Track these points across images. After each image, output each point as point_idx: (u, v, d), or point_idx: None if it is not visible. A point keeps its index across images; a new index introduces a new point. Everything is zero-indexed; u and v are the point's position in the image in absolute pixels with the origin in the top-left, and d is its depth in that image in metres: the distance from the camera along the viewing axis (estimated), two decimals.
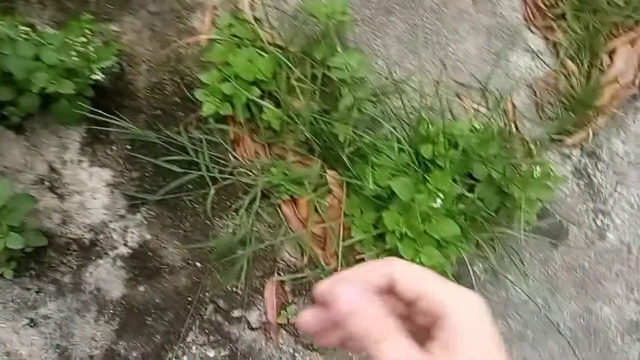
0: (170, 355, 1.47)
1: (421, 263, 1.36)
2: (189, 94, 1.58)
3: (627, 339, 1.58)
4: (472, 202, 1.47)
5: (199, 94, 1.52)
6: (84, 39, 1.26)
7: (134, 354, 1.46)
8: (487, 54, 1.74)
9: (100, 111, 1.45)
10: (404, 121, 1.53)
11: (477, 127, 1.49)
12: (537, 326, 1.57)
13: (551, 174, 1.44)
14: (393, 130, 1.49)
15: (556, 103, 1.72)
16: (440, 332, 0.42)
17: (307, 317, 0.48)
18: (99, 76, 1.30)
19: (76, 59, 1.24)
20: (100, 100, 1.57)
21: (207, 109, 1.50)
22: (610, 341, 1.58)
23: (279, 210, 1.57)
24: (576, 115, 1.67)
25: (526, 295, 1.57)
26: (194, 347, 1.48)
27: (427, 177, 1.33)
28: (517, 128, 1.70)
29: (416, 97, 1.59)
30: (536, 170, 1.38)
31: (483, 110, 1.62)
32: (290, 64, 1.48)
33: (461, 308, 0.42)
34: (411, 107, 1.64)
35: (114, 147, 1.57)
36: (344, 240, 1.48)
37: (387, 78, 1.63)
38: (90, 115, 1.48)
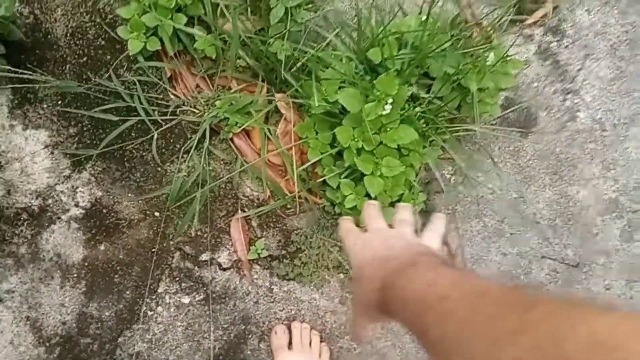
0: (144, 308, 1.44)
1: (382, 176, 1.29)
2: (112, 34, 1.45)
3: (606, 218, 1.54)
4: (430, 102, 1.38)
5: (121, 31, 1.39)
6: None
7: (107, 313, 1.43)
8: None
9: (19, 69, 1.33)
10: (348, 27, 1.41)
11: (427, 19, 1.37)
12: (514, 220, 1.53)
13: (508, 58, 1.34)
14: (336, 39, 1.37)
15: None
16: None
17: None
18: None
19: None
20: (20, 57, 1.45)
21: (133, 46, 1.38)
22: (589, 224, 1.54)
23: (231, 145, 1.48)
24: None
25: (499, 190, 1.52)
26: (167, 297, 1.44)
27: (374, 84, 1.23)
28: (473, 14, 1.57)
29: None
30: (489, 56, 1.28)
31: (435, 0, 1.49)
32: None
33: None
34: (355, 9, 1.51)
35: (45, 106, 1.46)
36: (302, 165, 1.41)
37: None
38: (12, 75, 1.36)
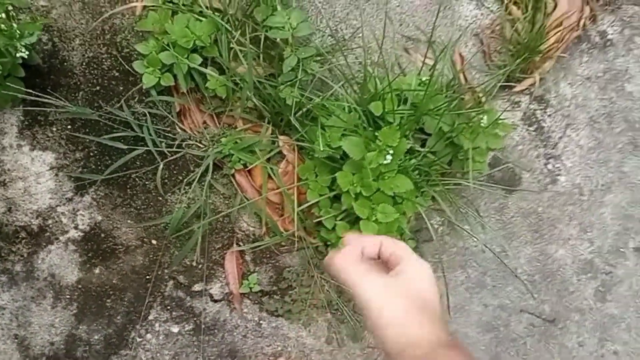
0: (133, 334, 1.45)
1: (377, 221, 1.36)
2: (127, 67, 1.52)
3: (582, 278, 1.63)
4: (425, 156, 1.47)
5: (137, 65, 1.46)
6: (4, 16, 1.18)
7: (96, 337, 1.43)
8: (431, 5, 1.71)
9: (35, 92, 1.39)
10: (352, 80, 1.50)
11: (425, 80, 1.48)
12: (496, 273, 1.60)
13: (499, 121, 1.45)
14: (341, 90, 1.46)
15: (503, 50, 1.71)
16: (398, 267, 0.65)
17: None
18: (23, 53, 1.23)
19: None
20: (35, 81, 1.50)
21: (148, 80, 1.45)
22: (566, 281, 1.63)
23: (233, 180, 1.54)
24: (523, 61, 1.67)
25: (483, 244, 1.60)
26: (157, 325, 1.46)
27: (377, 135, 1.32)
28: (466, 79, 1.69)
29: (363, 54, 1.56)
30: (483, 119, 1.38)
31: (431, 62, 1.60)
32: (229, 28, 1.42)
33: (415, 262, 0.66)
34: (359, 64, 1.61)
35: (54, 129, 1.50)
36: (300, 205, 1.47)
37: (331, 36, 1.59)
38: (26, 97, 1.41)
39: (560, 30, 1.72)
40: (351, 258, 0.70)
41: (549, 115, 1.72)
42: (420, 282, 0.64)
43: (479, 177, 1.62)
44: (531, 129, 1.70)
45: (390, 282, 0.65)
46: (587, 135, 1.72)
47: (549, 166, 1.68)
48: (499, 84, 1.69)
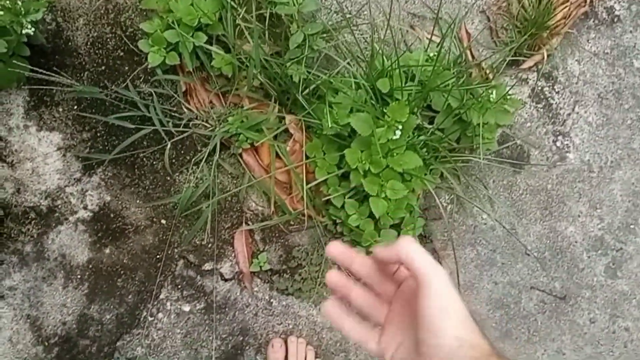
0: (145, 313, 1.45)
1: (386, 198, 1.35)
2: (132, 46, 1.51)
3: (592, 255, 1.63)
4: (433, 132, 1.46)
5: (142, 44, 1.45)
6: None
7: (108, 316, 1.44)
8: None
9: (41, 70, 1.38)
10: (359, 57, 1.49)
11: (433, 56, 1.46)
12: (505, 250, 1.60)
13: (508, 97, 1.43)
14: (348, 67, 1.45)
15: (510, 27, 1.70)
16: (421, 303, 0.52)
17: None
18: (29, 30, 1.22)
19: (1, 12, 1.15)
20: (40, 61, 1.49)
21: (153, 59, 1.44)
22: (576, 258, 1.62)
23: (240, 160, 1.54)
24: (530, 38, 1.66)
25: (492, 221, 1.59)
26: (168, 304, 1.46)
27: (385, 111, 1.31)
28: (472, 55, 1.68)
29: (370, 30, 1.55)
30: (492, 94, 1.37)
31: (438, 39, 1.59)
32: (235, 5, 1.41)
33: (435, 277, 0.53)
34: (365, 41, 1.60)
35: (61, 109, 1.50)
36: (308, 183, 1.46)
37: (337, 12, 1.58)
38: (31, 76, 1.40)
39: (567, 6, 1.70)
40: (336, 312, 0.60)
41: (557, 92, 1.70)
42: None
43: (487, 154, 1.62)
44: (539, 106, 1.69)
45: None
46: (596, 112, 1.70)
47: (558, 143, 1.67)
48: (506, 61, 1.68)
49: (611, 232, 1.64)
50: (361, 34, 1.62)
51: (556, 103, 1.70)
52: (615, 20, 1.79)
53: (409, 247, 0.53)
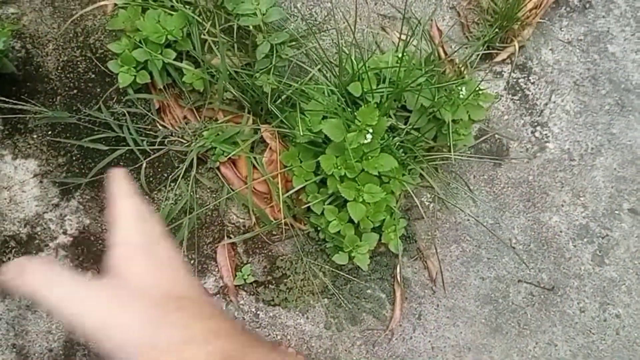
0: None
1: (365, 202, 1.35)
2: (103, 68, 1.51)
3: (578, 243, 1.62)
4: (408, 133, 1.46)
5: (112, 65, 1.45)
6: None
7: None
8: None
9: (10, 100, 1.38)
10: (329, 63, 1.49)
11: (403, 56, 1.46)
12: (490, 245, 1.59)
13: (480, 91, 1.43)
14: (319, 74, 1.45)
15: (481, 21, 1.69)
16: None
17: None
18: None
19: None
20: (11, 89, 1.49)
21: (123, 79, 1.43)
22: (562, 248, 1.62)
23: (218, 173, 1.53)
24: (501, 30, 1.66)
25: (475, 217, 1.58)
26: None
27: (356, 115, 1.30)
28: (445, 52, 1.67)
29: (339, 36, 1.55)
30: (462, 90, 1.37)
31: (409, 39, 1.59)
32: (200, 20, 1.41)
33: None
34: (336, 46, 1.60)
35: (35, 135, 1.50)
36: (286, 192, 1.46)
37: (303, 20, 1.58)
38: (2, 106, 1.40)
39: None
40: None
41: (533, 83, 1.70)
42: (145, 268, 0.45)
43: (465, 150, 1.61)
44: (515, 97, 1.69)
45: (112, 283, 0.45)
46: (573, 100, 1.70)
47: (536, 134, 1.67)
48: (479, 55, 1.68)
49: (596, 219, 1.63)
50: (332, 39, 1.62)
51: (532, 94, 1.70)
52: (587, 6, 1.79)
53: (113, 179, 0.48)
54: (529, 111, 1.68)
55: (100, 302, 0.40)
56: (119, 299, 0.40)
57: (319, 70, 1.47)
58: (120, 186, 0.46)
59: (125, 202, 0.45)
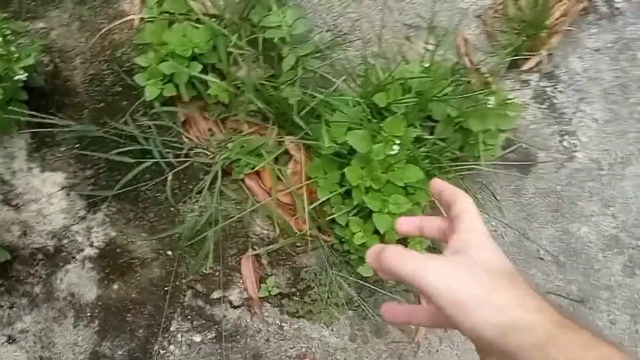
0: (156, 347, 1.45)
1: (390, 213, 1.34)
2: (130, 81, 1.52)
3: (608, 254, 1.58)
4: (434, 143, 1.44)
5: (139, 78, 1.46)
6: (1, 40, 1.19)
7: (120, 352, 1.44)
8: None
9: (39, 114, 1.39)
10: (354, 74, 1.48)
11: (429, 66, 1.45)
12: (518, 256, 1.56)
13: (508, 102, 1.41)
14: (344, 85, 1.44)
15: (507, 29, 1.67)
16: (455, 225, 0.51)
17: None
18: (22, 76, 1.24)
19: None
20: (40, 103, 1.51)
21: (150, 92, 1.44)
22: (592, 259, 1.58)
23: (243, 185, 1.53)
24: (529, 39, 1.63)
25: (502, 227, 1.56)
26: (179, 335, 1.46)
27: (382, 126, 1.29)
28: (471, 61, 1.66)
29: (364, 46, 1.54)
30: (490, 100, 1.35)
31: (435, 49, 1.57)
32: (226, 32, 1.42)
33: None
34: (361, 57, 1.59)
35: (62, 149, 1.51)
36: (312, 204, 1.45)
37: (328, 31, 1.57)
38: (31, 120, 1.42)
39: (565, 4, 1.68)
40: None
41: (561, 92, 1.67)
42: (491, 252, 0.49)
43: (492, 160, 1.59)
44: (543, 106, 1.66)
45: (457, 258, 0.49)
46: (602, 108, 1.67)
47: (565, 143, 1.64)
48: (506, 64, 1.65)
49: (626, 229, 1.59)
50: (356, 50, 1.62)
51: (560, 102, 1.67)
52: (616, 13, 1.76)
53: (437, 183, 0.56)
54: (557, 120, 1.65)
55: (445, 268, 0.46)
56: (460, 266, 0.46)
57: (344, 81, 1.46)
58: (451, 187, 0.55)
59: (467, 198, 0.53)
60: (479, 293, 0.43)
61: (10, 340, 1.41)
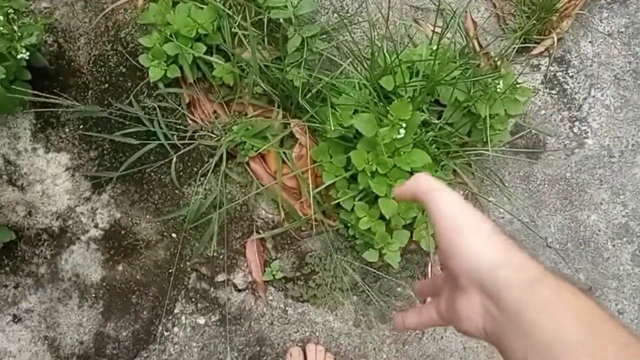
0: (160, 328, 1.45)
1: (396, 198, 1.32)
2: (134, 62, 1.51)
3: (617, 243, 1.56)
4: (441, 128, 1.42)
5: (143, 59, 1.44)
6: (3, 19, 1.17)
7: (124, 333, 1.44)
8: None
9: (43, 94, 1.38)
10: (361, 56, 1.46)
11: (437, 49, 1.42)
12: (526, 244, 1.54)
13: (517, 85, 1.38)
14: (350, 67, 1.42)
15: (517, 13, 1.64)
16: None
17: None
18: (24, 55, 1.22)
19: None
20: (44, 83, 1.50)
21: (154, 73, 1.43)
22: (601, 248, 1.56)
23: (247, 168, 1.52)
24: (539, 22, 1.60)
25: (510, 214, 1.54)
26: (183, 317, 1.46)
27: (389, 109, 1.27)
28: (480, 45, 1.63)
29: (371, 28, 1.51)
30: (499, 84, 1.32)
31: (443, 31, 1.55)
32: (230, 13, 1.39)
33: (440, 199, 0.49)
34: (368, 39, 1.56)
35: (67, 129, 1.51)
36: (317, 188, 1.44)
37: (335, 12, 1.55)
38: (35, 100, 1.41)
39: None
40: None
41: (571, 77, 1.64)
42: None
43: (501, 146, 1.56)
44: (553, 92, 1.63)
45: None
46: (613, 94, 1.64)
47: (575, 129, 1.61)
48: (515, 48, 1.62)
49: (636, 218, 1.57)
50: (363, 32, 1.59)
51: (571, 88, 1.64)
52: None
53: (416, 177, 0.52)
54: (567, 106, 1.62)
55: (459, 201, 0.48)
56: (472, 209, 0.48)
57: (350, 63, 1.44)
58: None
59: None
60: (481, 229, 0.45)
61: (16, 320, 1.42)
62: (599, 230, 1.57)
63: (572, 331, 0.38)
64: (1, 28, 1.17)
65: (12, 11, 1.26)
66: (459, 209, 0.47)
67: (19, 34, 1.21)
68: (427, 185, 0.50)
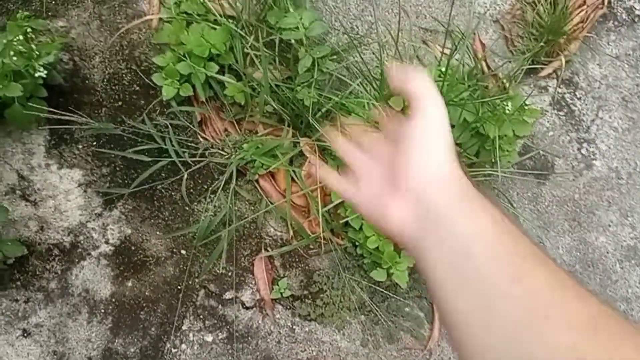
0: (168, 345, 1.45)
1: None
2: (147, 80, 1.53)
3: (626, 265, 1.56)
4: None
5: (156, 78, 1.47)
6: (22, 38, 1.21)
7: (132, 350, 1.44)
8: None
9: (58, 111, 1.41)
10: (370, 76, 1.48)
11: (446, 70, 1.44)
12: None
13: (525, 107, 1.40)
14: (359, 87, 1.44)
15: (526, 35, 1.66)
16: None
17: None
18: (42, 73, 1.25)
19: (15, 58, 1.19)
20: (59, 100, 1.53)
21: (167, 92, 1.46)
22: (609, 270, 1.56)
23: (257, 186, 1.54)
24: (547, 44, 1.62)
25: None
26: (190, 334, 1.46)
27: None
28: (488, 66, 1.65)
29: (381, 49, 1.54)
30: (507, 105, 1.34)
31: (452, 53, 1.57)
32: (243, 34, 1.42)
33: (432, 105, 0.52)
34: (377, 60, 1.59)
35: (80, 146, 1.53)
36: (325, 206, 1.45)
37: (345, 33, 1.57)
38: (50, 116, 1.44)
39: (584, 9, 1.66)
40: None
41: (579, 98, 1.65)
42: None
43: (509, 167, 1.57)
44: (561, 113, 1.64)
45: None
46: (621, 116, 1.64)
47: (583, 151, 1.62)
48: (524, 69, 1.64)
49: None
50: (372, 53, 1.62)
51: (579, 109, 1.65)
52: (636, 20, 1.74)
53: (413, 73, 0.52)
54: (575, 127, 1.63)
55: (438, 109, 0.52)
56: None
57: (360, 83, 1.46)
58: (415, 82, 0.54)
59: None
60: (443, 159, 0.48)
61: (25, 334, 1.43)
62: (608, 252, 1.56)
63: (489, 231, 0.41)
64: (20, 47, 1.20)
65: (31, 30, 1.29)
66: (437, 130, 0.50)
67: (37, 52, 1.24)
68: (422, 90, 0.51)
